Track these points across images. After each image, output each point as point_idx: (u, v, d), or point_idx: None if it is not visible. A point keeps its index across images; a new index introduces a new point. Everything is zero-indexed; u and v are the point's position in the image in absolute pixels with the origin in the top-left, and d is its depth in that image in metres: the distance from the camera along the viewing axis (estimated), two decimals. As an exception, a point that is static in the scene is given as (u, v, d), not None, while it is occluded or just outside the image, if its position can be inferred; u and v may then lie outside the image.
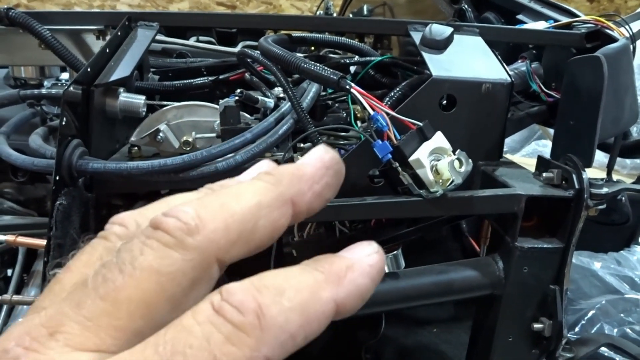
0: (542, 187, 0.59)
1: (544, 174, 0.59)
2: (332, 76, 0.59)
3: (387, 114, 0.59)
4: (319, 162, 0.22)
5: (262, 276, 0.18)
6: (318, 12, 1.85)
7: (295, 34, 0.80)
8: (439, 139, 0.58)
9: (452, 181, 0.55)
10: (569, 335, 1.04)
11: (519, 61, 0.92)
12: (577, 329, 0.98)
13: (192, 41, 1.20)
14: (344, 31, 0.90)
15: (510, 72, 0.88)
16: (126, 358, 0.16)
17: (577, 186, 0.56)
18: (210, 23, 0.83)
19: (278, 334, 0.17)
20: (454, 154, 0.57)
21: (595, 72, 0.55)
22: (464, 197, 0.57)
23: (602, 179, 0.81)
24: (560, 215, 0.59)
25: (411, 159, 0.56)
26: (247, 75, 0.79)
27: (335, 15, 1.71)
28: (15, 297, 0.73)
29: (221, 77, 0.81)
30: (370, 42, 1.38)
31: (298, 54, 0.67)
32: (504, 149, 2.02)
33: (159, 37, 1.14)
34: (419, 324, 1.19)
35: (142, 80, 0.82)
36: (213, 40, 1.25)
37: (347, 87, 0.59)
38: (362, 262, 0.20)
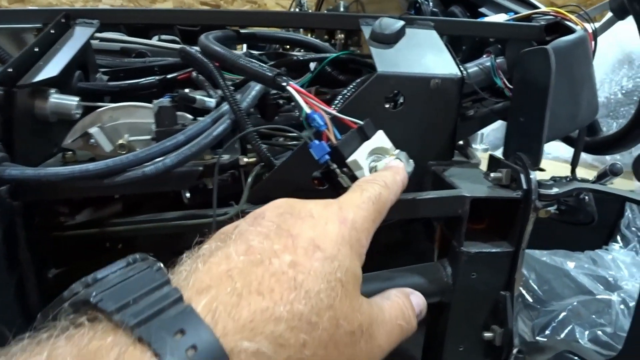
0: (490, 187, 0.56)
1: (492, 174, 0.56)
2: (268, 73, 0.56)
3: (328, 113, 0.56)
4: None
5: (372, 175, 0.46)
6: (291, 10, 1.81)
7: (248, 30, 0.77)
8: (379, 139, 0.55)
9: (392, 183, 0.52)
10: (538, 338, 1.01)
11: (484, 56, 0.89)
12: (547, 332, 0.95)
13: (154, 40, 1.17)
14: (294, 26, 0.87)
15: (475, 68, 0.86)
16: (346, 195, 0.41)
17: (524, 186, 0.53)
18: (159, 20, 0.79)
19: (393, 192, 0.41)
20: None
21: (544, 65, 0.52)
22: (406, 200, 0.54)
23: (565, 178, 0.77)
24: (510, 217, 0.56)
25: (349, 160, 0.53)
26: (193, 74, 0.76)
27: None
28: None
29: (169, 76, 0.77)
30: (341, 38, 1.35)
31: (236, 52, 0.64)
32: (486, 146, 1.97)
33: (117, 36, 1.11)
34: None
35: (87, 80, 0.79)
36: (177, 39, 1.21)
37: (284, 84, 0.55)
38: (399, 166, 0.46)
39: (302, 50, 1.01)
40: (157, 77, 0.78)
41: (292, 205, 0.35)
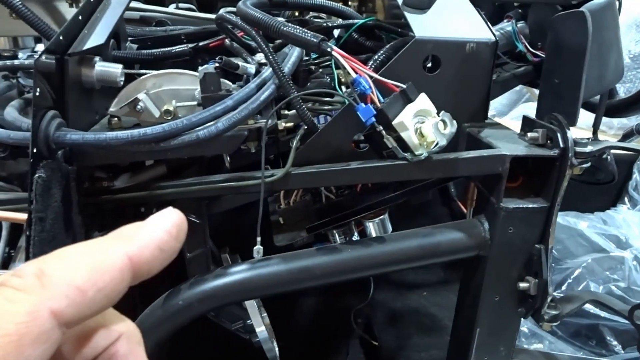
0: (527, 147, 0.59)
1: (529, 134, 0.59)
2: (312, 39, 0.58)
3: (370, 76, 0.58)
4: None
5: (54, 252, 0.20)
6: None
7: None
8: (423, 101, 0.57)
9: (437, 143, 0.55)
10: (555, 293, 1.06)
11: (505, 21, 0.91)
12: (563, 288, 0.99)
13: (172, 8, 1.17)
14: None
15: (496, 32, 0.87)
16: None
17: (561, 145, 0.56)
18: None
19: (63, 289, 0.19)
20: (439, 116, 0.57)
21: (579, 27, 0.54)
22: (448, 159, 0.57)
23: (587, 139, 0.80)
24: (545, 174, 0.59)
25: (395, 122, 0.56)
26: (227, 41, 0.77)
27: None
28: (1, 272, 0.72)
29: (201, 44, 0.78)
30: (354, 5, 1.35)
31: (279, 18, 0.66)
32: (492, 113, 2.00)
33: (136, 4, 1.11)
34: (409, 287, 1.21)
35: (119, 49, 0.80)
36: (193, 7, 1.22)
37: (329, 49, 0.57)
38: (152, 221, 0.22)
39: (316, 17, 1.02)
40: (189, 45, 0.79)
41: None
